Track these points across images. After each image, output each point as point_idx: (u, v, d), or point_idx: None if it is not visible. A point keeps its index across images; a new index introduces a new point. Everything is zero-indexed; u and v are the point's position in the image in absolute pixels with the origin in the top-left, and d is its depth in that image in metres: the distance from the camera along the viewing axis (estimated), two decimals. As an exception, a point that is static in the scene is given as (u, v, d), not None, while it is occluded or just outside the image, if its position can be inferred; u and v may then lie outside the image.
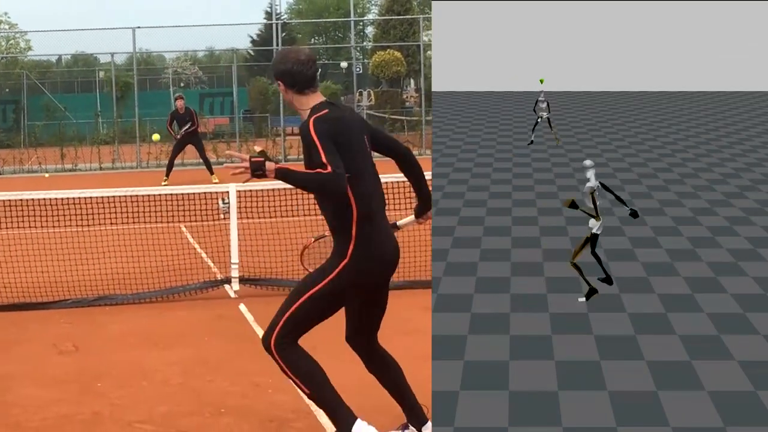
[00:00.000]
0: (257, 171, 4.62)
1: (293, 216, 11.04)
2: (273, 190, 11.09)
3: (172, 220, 11.69)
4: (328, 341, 7.81)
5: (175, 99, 22.02)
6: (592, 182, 7.12)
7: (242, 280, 9.78)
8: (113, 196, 10.78)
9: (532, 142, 15.12)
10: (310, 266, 5.31)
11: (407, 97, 43.89)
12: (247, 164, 4.64)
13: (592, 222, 7.13)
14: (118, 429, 5.92)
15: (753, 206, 10.41)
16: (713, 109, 20.19)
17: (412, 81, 46.67)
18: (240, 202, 10.20)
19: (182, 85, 48.98)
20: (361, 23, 58.38)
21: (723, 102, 21.58)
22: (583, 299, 7.06)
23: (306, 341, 7.85)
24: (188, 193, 11.42)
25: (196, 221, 11.71)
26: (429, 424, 5.23)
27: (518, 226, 9.53)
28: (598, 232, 7.15)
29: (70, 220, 10.87)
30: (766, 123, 17.88)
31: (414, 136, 31.41)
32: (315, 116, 4.81)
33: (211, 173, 21.05)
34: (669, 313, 6.85)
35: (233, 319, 8.75)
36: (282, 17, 59.61)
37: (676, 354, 6.07)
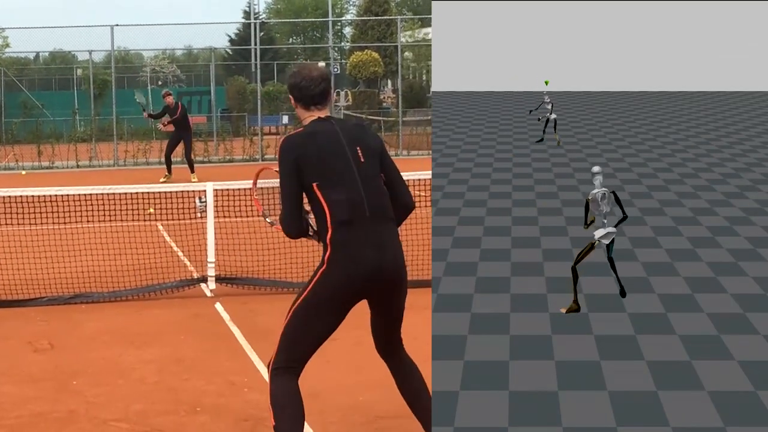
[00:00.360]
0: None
1: (270, 215, 11.04)
2: (250, 189, 11.08)
3: (148, 219, 11.69)
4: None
5: (164, 95, 21.83)
6: (597, 189, 7.01)
7: (218, 279, 9.78)
8: (90, 194, 10.75)
9: (542, 139, 15.11)
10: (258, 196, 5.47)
11: (384, 97, 43.95)
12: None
13: (597, 232, 7.03)
14: (93, 427, 5.91)
15: (753, 206, 10.41)
16: (713, 109, 20.19)
17: (389, 82, 46.76)
18: (217, 200, 10.20)
19: (160, 83, 48.96)
20: (339, 23, 58.45)
21: (723, 102, 21.59)
22: (563, 311, 6.90)
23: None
24: (165, 192, 11.41)
25: (172, 219, 11.69)
26: None
27: (518, 226, 9.53)
28: (606, 242, 7.02)
29: (47, 217, 10.84)
30: (766, 123, 17.88)
31: (391, 136, 31.43)
32: (287, 135, 5.00)
33: (192, 172, 20.80)
34: (669, 313, 6.85)
35: (209, 318, 8.74)
36: (260, 17, 59.62)
37: (676, 354, 6.07)
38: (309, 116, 5.03)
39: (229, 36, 55.86)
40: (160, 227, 12.86)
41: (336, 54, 44.31)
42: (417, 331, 7.54)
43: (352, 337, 7.67)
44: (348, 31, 56.06)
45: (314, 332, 4.91)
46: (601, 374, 5.76)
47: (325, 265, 4.85)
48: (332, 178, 4.84)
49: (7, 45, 45.30)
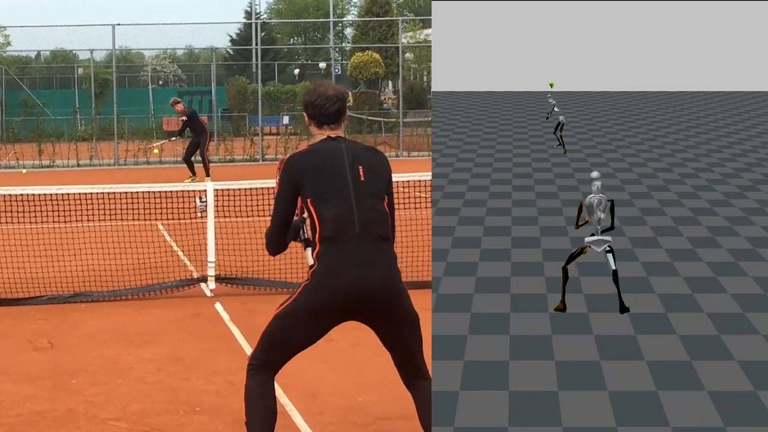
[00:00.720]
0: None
1: (270, 215, 11.05)
2: (250, 189, 11.12)
3: (149, 218, 11.70)
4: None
5: (173, 104, 21.54)
6: (594, 195, 6.93)
7: (218, 279, 9.78)
8: (90, 193, 10.75)
9: (559, 144, 14.41)
10: None
11: (385, 98, 44.01)
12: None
13: (589, 238, 6.95)
14: (92, 426, 5.90)
15: (753, 206, 10.41)
16: (713, 109, 20.19)
17: (390, 83, 46.77)
18: (217, 200, 10.21)
19: (161, 83, 49.01)
20: (341, 24, 58.53)
21: (723, 102, 21.59)
22: (554, 308, 6.93)
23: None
24: (165, 191, 11.41)
25: (173, 219, 11.69)
26: None
27: (518, 226, 9.53)
28: (597, 249, 6.94)
29: (47, 216, 10.84)
30: (766, 123, 17.88)
31: (391, 137, 31.45)
32: (291, 154, 5.00)
33: (192, 174, 20.52)
34: (669, 313, 6.85)
35: (209, 318, 8.74)
36: (261, 17, 59.69)
37: (676, 354, 6.07)
38: (320, 134, 4.98)
39: (230, 36, 55.97)
40: (161, 227, 12.87)
41: (337, 55, 44.42)
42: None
43: (351, 338, 7.68)
44: (349, 31, 56.16)
45: (292, 340, 4.87)
46: (601, 374, 5.76)
47: (308, 280, 4.84)
48: (326, 194, 4.81)
49: (9, 43, 45.46)
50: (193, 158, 20.87)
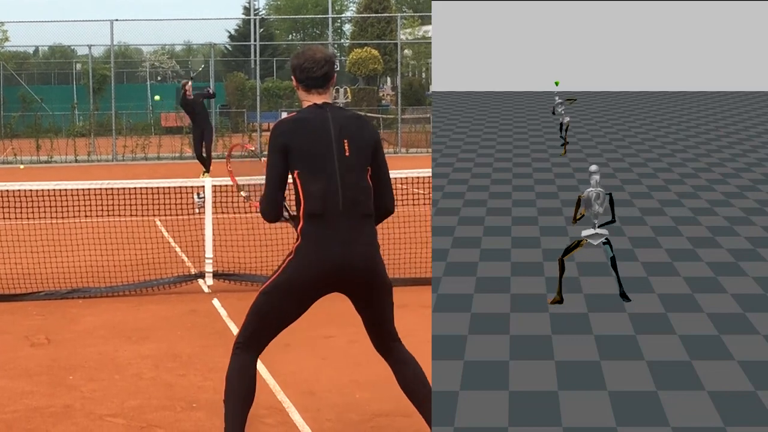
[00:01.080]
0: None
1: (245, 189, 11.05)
2: (248, 185, 11.09)
3: (146, 214, 11.71)
4: (301, 337, 7.84)
5: (183, 84, 21.27)
6: (591, 188, 6.96)
7: (216, 275, 9.80)
8: (88, 189, 10.77)
9: (564, 144, 14.32)
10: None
11: (383, 95, 43.97)
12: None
13: (585, 231, 7.01)
14: (89, 422, 5.91)
15: (753, 206, 10.41)
16: (713, 109, 20.19)
17: (388, 79, 46.73)
18: (215, 196, 10.22)
19: (159, 78, 49.00)
20: (339, 20, 58.49)
21: (723, 102, 21.59)
22: (549, 301, 6.97)
23: (279, 337, 7.89)
24: (163, 187, 11.42)
25: (170, 215, 11.70)
26: None
27: (518, 226, 9.53)
28: (594, 242, 7.01)
29: (45, 212, 10.86)
30: (766, 123, 17.88)
31: (389, 134, 31.39)
32: (279, 120, 5.01)
33: (206, 170, 20.49)
34: (669, 313, 6.85)
35: (206, 314, 8.76)
36: (260, 13, 59.64)
37: (676, 354, 6.07)
38: (307, 100, 5.00)
39: (229, 32, 55.93)
40: (158, 222, 12.86)
41: (335, 51, 44.34)
42: (416, 329, 7.57)
43: (348, 334, 7.70)
44: (348, 28, 56.18)
45: (276, 317, 4.94)
46: (601, 374, 5.76)
47: (292, 255, 4.87)
48: (312, 169, 4.85)
49: (7, 39, 45.41)
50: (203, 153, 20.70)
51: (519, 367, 5.88)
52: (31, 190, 10.63)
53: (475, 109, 20.21)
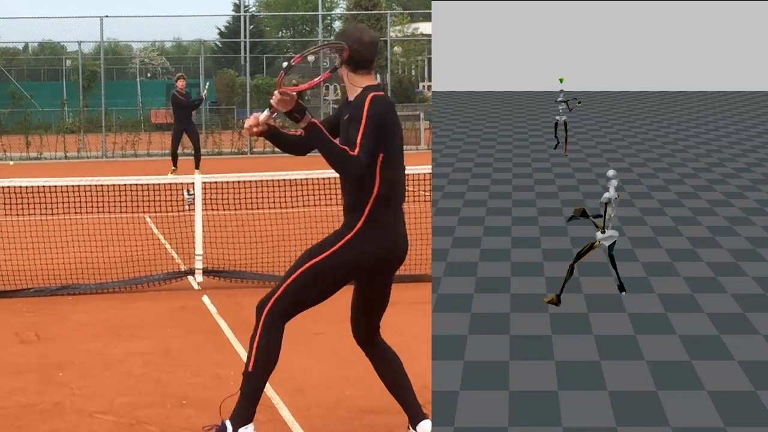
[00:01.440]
0: (299, 111, 4.71)
1: (258, 208, 11.09)
2: (238, 182, 11.13)
3: (136, 211, 11.70)
4: (291, 334, 7.83)
5: (177, 79, 21.30)
6: (611, 193, 7.00)
7: (206, 272, 9.79)
8: (78, 185, 10.76)
9: (557, 145, 14.35)
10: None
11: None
12: (294, 97, 4.72)
13: (598, 234, 7.05)
14: (78, 419, 5.90)
15: (753, 206, 10.42)
16: (713, 109, 20.19)
17: (378, 76, 46.63)
18: (205, 193, 10.21)
19: (149, 75, 48.92)
20: (329, 18, 58.39)
21: (723, 102, 21.59)
22: (546, 300, 7.02)
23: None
24: (153, 184, 11.41)
25: (160, 212, 11.70)
26: (427, 422, 5.18)
27: (518, 226, 9.53)
28: (606, 244, 7.05)
29: (34, 208, 10.83)
30: (766, 123, 17.89)
31: None
32: (374, 93, 4.86)
33: (197, 167, 20.49)
34: (669, 313, 6.85)
35: (196, 311, 8.74)
36: (250, 10, 59.60)
37: (676, 354, 6.07)
38: (357, 79, 4.94)
39: (219, 29, 55.83)
40: (148, 219, 12.86)
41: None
42: (407, 326, 7.59)
43: (338, 330, 7.68)
44: (338, 25, 55.98)
45: (320, 293, 4.99)
46: (601, 374, 5.76)
47: (352, 235, 4.87)
48: (393, 155, 4.90)
49: (-4, 35, 45.34)
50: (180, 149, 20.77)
51: (519, 367, 5.88)
52: (20, 187, 10.62)
53: (475, 109, 20.21)
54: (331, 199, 10.58)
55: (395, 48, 43.89)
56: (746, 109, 20.32)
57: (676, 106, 20.80)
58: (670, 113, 19.48)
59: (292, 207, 11.19)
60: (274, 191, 10.89)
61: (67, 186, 10.82)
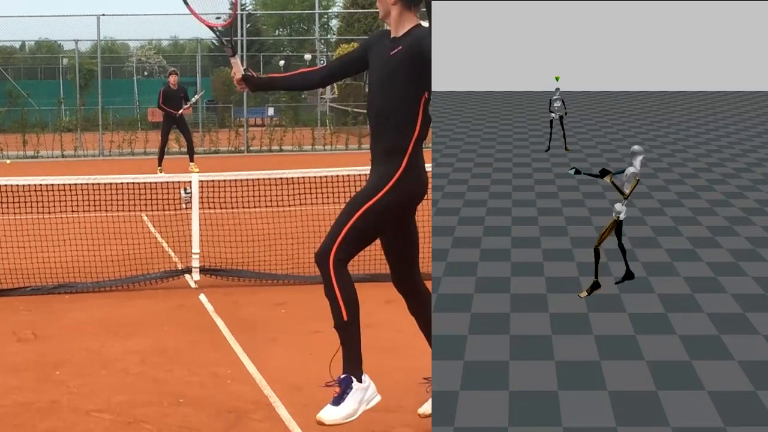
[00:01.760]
0: (249, 83, 5.30)
1: (255, 207, 11.08)
2: (235, 180, 11.13)
3: (133, 209, 11.69)
4: (288, 332, 7.84)
5: (169, 74, 21.33)
6: (636, 168, 7.12)
7: (203, 271, 9.79)
8: (75, 184, 10.75)
9: (548, 148, 14.29)
10: None
11: None
12: (241, 84, 5.32)
13: (618, 206, 7.14)
14: (75, 418, 5.91)
15: (753, 206, 10.41)
16: (713, 109, 20.19)
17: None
18: (202, 192, 10.21)
19: (146, 74, 48.89)
20: (326, 16, 58.32)
21: (723, 102, 21.59)
22: (585, 294, 7.06)
23: (266, 332, 7.90)
24: (150, 182, 11.40)
25: (157, 210, 11.69)
26: (429, 402, 5.25)
27: (518, 226, 9.52)
28: (623, 218, 7.16)
29: (31, 207, 10.83)
30: (766, 123, 17.88)
31: None
32: (426, 30, 4.85)
33: (191, 161, 20.17)
34: (669, 313, 6.84)
35: (193, 309, 8.75)
36: (247, 8, 59.50)
37: (676, 354, 6.06)
38: (409, 16, 4.91)
39: (216, 27, 55.70)
40: (145, 218, 12.85)
41: (322, 46, 44.22)
42: (415, 326, 7.58)
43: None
44: (334, 23, 55.97)
45: (371, 237, 5.03)
46: (601, 374, 5.75)
47: (398, 177, 4.90)
48: (428, 96, 4.92)
49: (-7, 33, 45.25)
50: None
51: (519, 367, 5.88)
52: (17, 185, 10.60)
53: (475, 109, 20.20)
54: (328, 197, 10.57)
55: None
56: (746, 109, 20.31)
57: (676, 106, 20.80)
58: (670, 113, 19.47)
59: (289, 205, 11.18)
60: (271, 189, 10.89)
61: (64, 184, 10.81)
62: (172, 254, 10.95)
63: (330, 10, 61.46)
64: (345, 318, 4.97)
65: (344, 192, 10.23)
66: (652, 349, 6.14)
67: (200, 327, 8.09)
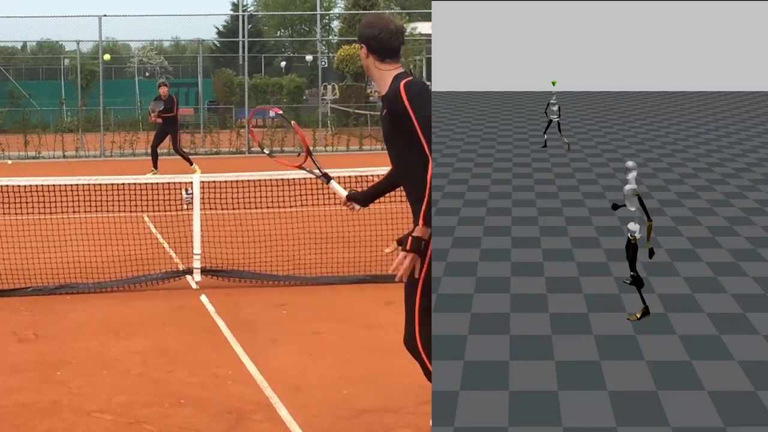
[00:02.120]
0: (418, 247, 4.74)
1: (256, 208, 11.08)
2: (237, 181, 11.13)
3: (135, 210, 11.69)
4: (289, 333, 7.84)
5: (159, 86, 21.63)
6: (633, 185, 6.80)
7: (204, 271, 9.78)
8: (76, 185, 10.74)
9: (545, 144, 14.68)
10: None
11: (371, 91, 43.89)
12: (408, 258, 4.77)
13: (632, 225, 6.80)
14: (76, 418, 5.90)
15: (753, 206, 10.41)
16: (713, 109, 20.19)
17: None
18: (203, 193, 10.19)
19: (147, 74, 48.87)
20: (327, 17, 58.31)
21: (723, 102, 21.59)
22: (637, 317, 6.70)
23: (267, 333, 7.90)
24: (151, 183, 11.39)
25: (159, 211, 11.68)
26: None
27: (518, 226, 9.53)
28: (639, 235, 6.81)
29: (33, 207, 10.81)
30: (766, 123, 17.88)
31: (377, 131, 31.32)
32: (406, 80, 4.82)
33: (190, 164, 20.26)
34: (669, 313, 6.85)
35: (194, 310, 8.73)
36: (248, 9, 59.49)
37: (676, 354, 6.07)
38: (385, 68, 4.94)
39: (217, 28, 55.79)
40: (147, 219, 12.85)
41: (323, 48, 44.18)
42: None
43: (335, 330, 7.70)
44: (336, 24, 55.91)
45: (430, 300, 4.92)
46: (601, 374, 5.76)
47: (430, 242, 4.78)
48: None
49: (-6, 34, 45.16)
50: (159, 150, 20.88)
51: (519, 367, 5.88)
52: (19, 186, 10.59)
53: (475, 109, 20.21)
54: (329, 198, 10.56)
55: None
56: (746, 109, 20.31)
57: (676, 106, 20.80)
58: (670, 113, 19.47)
59: (291, 206, 11.18)
60: (272, 191, 10.88)
61: (65, 185, 10.80)
62: (174, 255, 10.95)
63: (332, 12, 61.50)
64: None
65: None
66: (652, 349, 6.15)
67: (201, 328, 8.09)
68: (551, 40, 22.66)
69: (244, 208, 11.08)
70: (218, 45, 51.86)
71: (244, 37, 33.24)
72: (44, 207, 10.81)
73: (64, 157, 26.95)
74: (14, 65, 44.63)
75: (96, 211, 11.54)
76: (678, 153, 14.23)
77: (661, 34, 22.67)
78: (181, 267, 10.16)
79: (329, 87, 37.10)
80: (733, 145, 15.06)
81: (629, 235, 6.80)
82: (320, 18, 44.77)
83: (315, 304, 8.66)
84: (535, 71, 21.92)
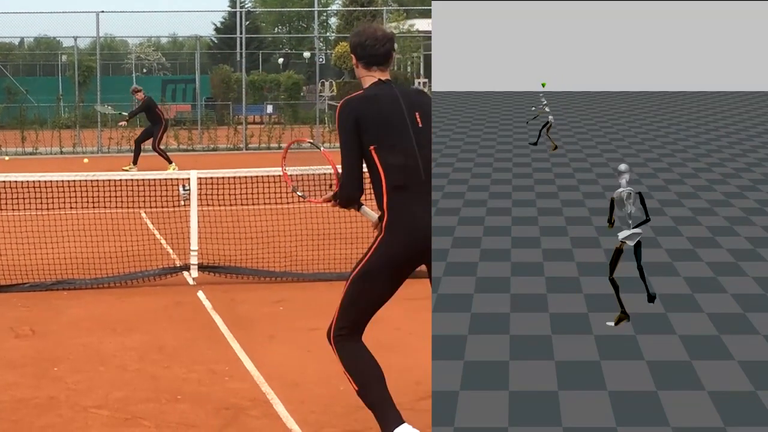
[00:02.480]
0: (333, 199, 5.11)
1: (253, 204, 11.06)
2: (234, 178, 11.12)
3: (132, 206, 11.67)
4: (286, 329, 7.83)
5: (134, 92, 22.19)
6: (621, 189, 6.70)
7: (201, 268, 9.76)
8: (73, 181, 10.72)
9: (536, 143, 14.90)
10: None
11: None
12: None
13: (622, 233, 6.72)
14: (73, 414, 5.88)
15: (753, 206, 10.41)
16: (713, 109, 20.19)
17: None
18: (200, 189, 10.18)
19: (144, 71, 48.86)
20: (325, 14, 58.30)
21: (723, 102, 21.59)
22: (612, 324, 6.63)
23: (264, 329, 7.88)
24: (149, 179, 11.38)
25: (156, 207, 11.67)
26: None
27: (518, 226, 9.52)
28: (631, 243, 6.69)
29: (30, 203, 10.75)
30: (766, 123, 17.88)
31: None
32: (345, 98, 4.96)
33: (169, 162, 20.39)
34: (669, 313, 6.84)
35: (191, 306, 8.72)
36: (246, 6, 59.52)
37: (676, 354, 6.06)
38: (369, 77, 5.03)
39: (215, 24, 55.86)
40: (143, 215, 12.84)
41: (321, 44, 44.16)
42: (412, 324, 7.58)
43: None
44: (333, 21, 55.93)
45: (370, 299, 4.94)
46: (601, 374, 5.75)
47: (383, 233, 4.88)
48: (390, 142, 4.88)
49: (-8, 30, 45.15)
50: (143, 147, 21.27)
51: (519, 367, 5.88)
52: (16, 182, 10.57)
53: (475, 109, 20.21)
54: (326, 194, 10.54)
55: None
56: (746, 109, 20.31)
57: (676, 106, 20.80)
58: (670, 113, 19.47)
59: (288, 203, 11.17)
60: (269, 187, 10.87)
61: (62, 181, 10.78)
62: (171, 251, 10.94)
63: (329, 8, 61.48)
64: (355, 388, 4.96)
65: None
66: (652, 349, 6.14)
67: (198, 324, 8.08)
68: (552, 41, 22.66)
69: (242, 205, 11.08)
70: (216, 41, 51.89)
71: (241, 33, 33.16)
72: (41, 203, 10.77)
73: (61, 153, 26.94)
74: (11, 61, 44.56)
75: (93, 207, 11.53)
76: (678, 153, 14.23)
77: (661, 34, 22.67)
78: (178, 263, 10.15)
79: (327, 84, 37.09)
80: (733, 145, 15.06)
81: (620, 240, 6.73)
82: (318, 15, 44.68)
83: (312, 301, 8.65)
84: (535, 71, 21.91)
